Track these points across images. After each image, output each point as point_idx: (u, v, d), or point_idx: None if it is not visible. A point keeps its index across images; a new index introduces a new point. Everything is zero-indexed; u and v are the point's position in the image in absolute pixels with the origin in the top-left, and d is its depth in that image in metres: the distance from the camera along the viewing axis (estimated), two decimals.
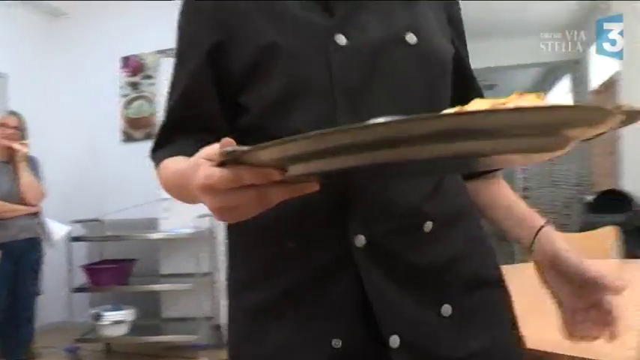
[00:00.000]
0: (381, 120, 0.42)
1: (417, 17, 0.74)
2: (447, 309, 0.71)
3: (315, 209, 0.69)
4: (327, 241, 0.70)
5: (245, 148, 0.47)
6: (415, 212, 0.71)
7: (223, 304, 3.87)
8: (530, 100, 0.46)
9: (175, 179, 0.71)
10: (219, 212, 0.53)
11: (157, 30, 4.32)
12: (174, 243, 3.90)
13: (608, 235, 2.38)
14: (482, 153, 0.48)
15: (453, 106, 0.64)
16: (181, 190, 0.69)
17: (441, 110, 0.57)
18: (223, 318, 3.86)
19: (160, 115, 4.31)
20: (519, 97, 0.46)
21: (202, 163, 0.52)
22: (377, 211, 0.69)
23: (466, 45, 0.87)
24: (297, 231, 0.71)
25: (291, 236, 0.72)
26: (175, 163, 0.72)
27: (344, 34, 0.70)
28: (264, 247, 0.74)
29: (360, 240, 0.68)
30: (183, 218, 3.69)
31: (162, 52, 4.41)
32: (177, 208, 3.68)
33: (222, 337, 3.79)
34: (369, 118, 0.57)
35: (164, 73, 4.31)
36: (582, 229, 2.68)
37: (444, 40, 0.77)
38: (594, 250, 2.31)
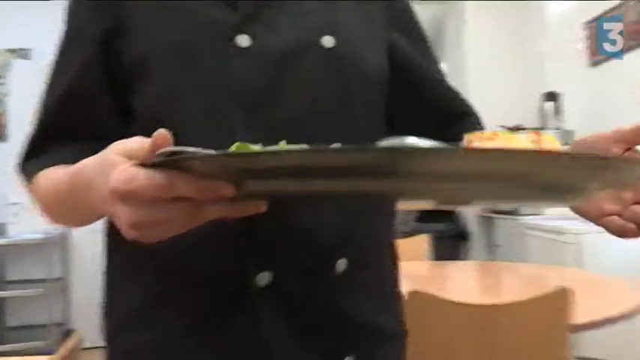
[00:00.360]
0: (381, 145, 0.37)
1: (338, 18, 0.65)
2: None
3: (211, 236, 0.57)
4: (223, 276, 0.59)
5: (204, 153, 0.39)
6: (328, 249, 0.62)
7: (75, 309, 3.85)
8: (548, 142, 0.42)
9: (61, 188, 0.57)
10: (134, 228, 0.43)
11: (7, 28, 4.18)
12: (23, 248, 3.79)
13: (422, 241, 2.81)
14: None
15: (424, 128, 0.62)
16: (70, 202, 0.56)
17: (353, 127, 0.58)
18: (74, 323, 3.83)
19: (10, 116, 4.18)
20: (537, 137, 0.42)
21: (118, 162, 0.43)
22: (286, 244, 0.60)
23: (430, 51, 0.77)
24: (187, 262, 0.60)
25: (180, 268, 0.60)
26: (59, 171, 0.59)
27: (248, 35, 0.60)
28: (147, 279, 0.62)
29: (264, 278, 0.58)
30: (34, 223, 3.62)
31: (12, 51, 4.26)
32: (27, 213, 3.61)
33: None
34: (269, 137, 0.51)
35: (15, 73, 4.17)
36: (410, 236, 3.09)
37: (372, 46, 0.68)
38: (411, 254, 2.72)
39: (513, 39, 4.28)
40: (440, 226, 4.07)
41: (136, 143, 0.45)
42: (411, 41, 0.74)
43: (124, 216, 0.42)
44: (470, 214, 4.29)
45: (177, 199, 0.41)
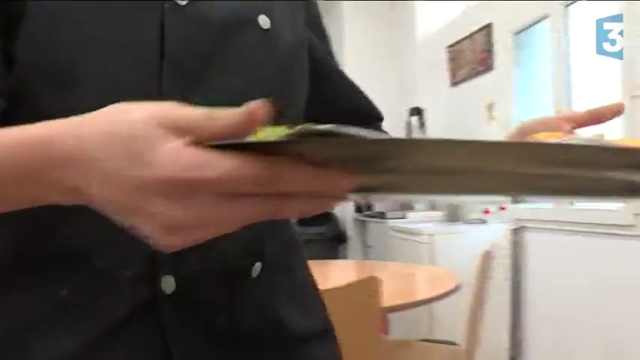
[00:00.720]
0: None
1: (271, 3, 0.61)
2: None
3: (106, 235, 0.47)
4: (122, 283, 0.50)
5: (367, 134, 0.30)
6: (242, 253, 0.56)
7: None
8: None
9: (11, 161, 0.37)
10: (177, 231, 0.32)
11: None
12: None
13: None
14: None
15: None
16: (20, 182, 0.37)
17: (291, 114, 0.58)
18: None
19: None
20: None
21: (164, 137, 0.31)
22: (194, 247, 0.47)
23: (334, 56, 0.78)
24: (74, 269, 0.49)
25: (66, 278, 0.49)
26: None
27: None
28: (20, 295, 0.50)
29: (169, 284, 0.51)
30: None
31: None
32: None
33: None
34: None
35: None
36: None
37: (300, 40, 0.66)
38: None
39: (388, 57, 4.69)
40: (320, 229, 4.42)
41: (192, 112, 0.32)
42: (322, 43, 0.75)
43: (169, 214, 0.30)
44: (347, 217, 4.65)
45: (265, 195, 0.31)
